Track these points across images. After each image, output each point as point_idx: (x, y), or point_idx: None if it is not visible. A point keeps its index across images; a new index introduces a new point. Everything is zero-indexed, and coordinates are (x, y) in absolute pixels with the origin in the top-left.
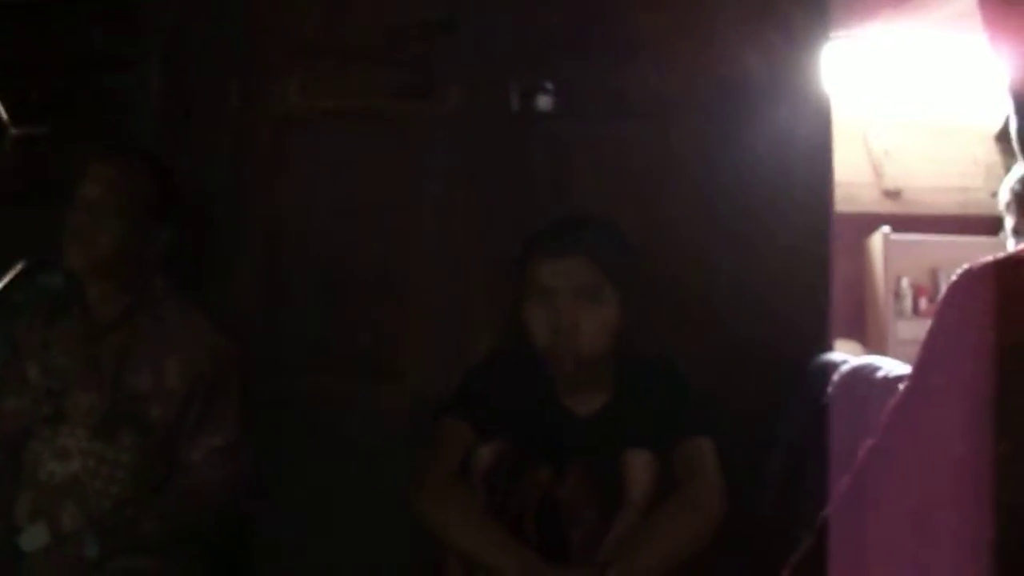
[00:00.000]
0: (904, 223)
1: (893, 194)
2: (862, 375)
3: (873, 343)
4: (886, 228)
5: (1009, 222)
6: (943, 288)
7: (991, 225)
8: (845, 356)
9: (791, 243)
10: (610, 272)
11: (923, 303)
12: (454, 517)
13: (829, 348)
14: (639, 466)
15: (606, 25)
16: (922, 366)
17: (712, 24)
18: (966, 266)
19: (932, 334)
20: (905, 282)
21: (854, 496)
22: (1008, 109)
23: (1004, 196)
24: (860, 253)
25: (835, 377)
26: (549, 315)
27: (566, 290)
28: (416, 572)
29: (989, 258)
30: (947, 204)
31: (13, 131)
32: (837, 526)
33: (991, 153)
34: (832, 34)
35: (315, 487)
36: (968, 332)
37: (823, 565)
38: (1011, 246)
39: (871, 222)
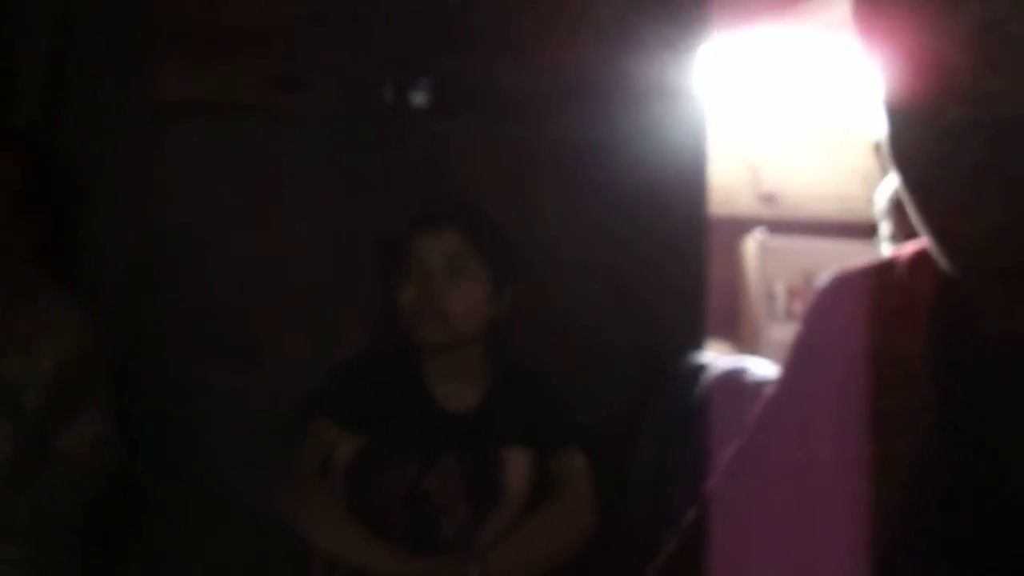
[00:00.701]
0: (780, 227)
1: (769, 198)
2: (733, 377)
3: (746, 344)
4: (761, 231)
5: (884, 228)
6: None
7: (867, 231)
8: (717, 357)
9: (665, 244)
10: (481, 247)
11: (796, 306)
12: (314, 515)
13: (701, 349)
14: (517, 465)
15: (483, 21)
16: (792, 369)
17: (589, 23)
18: (838, 270)
19: (802, 337)
20: (779, 285)
21: (720, 498)
22: (881, 116)
23: (880, 202)
24: (735, 256)
25: (706, 378)
26: (419, 287)
27: (437, 262)
28: (286, 563)
29: (861, 263)
30: (823, 209)
31: None
32: (702, 528)
33: (869, 159)
34: (710, 36)
35: (186, 476)
36: (839, 336)
37: (689, 567)
38: (885, 252)
39: (747, 225)
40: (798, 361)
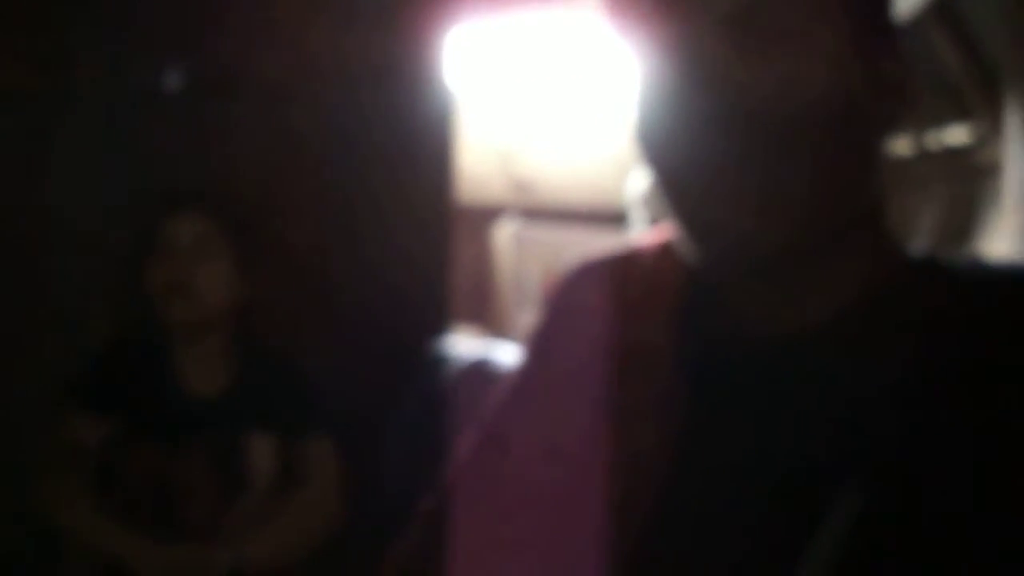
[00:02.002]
0: (532, 215)
1: (522, 186)
2: (480, 365)
3: (496, 331)
4: (513, 219)
5: (636, 217)
6: None
7: (620, 220)
8: (466, 343)
9: (413, 230)
10: (227, 229)
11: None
12: (63, 505)
13: (450, 336)
14: (263, 451)
15: (241, 5)
16: (533, 357)
17: (342, 8)
18: (581, 260)
19: (543, 325)
20: (531, 272)
21: (460, 487)
22: (633, 105)
23: (632, 191)
24: (486, 243)
25: (453, 366)
26: (167, 268)
27: (185, 243)
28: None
29: (606, 251)
30: (577, 197)
31: None
32: (442, 518)
33: (623, 148)
34: (462, 21)
35: None
36: (581, 325)
37: (426, 558)
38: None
39: (499, 212)
40: (540, 349)
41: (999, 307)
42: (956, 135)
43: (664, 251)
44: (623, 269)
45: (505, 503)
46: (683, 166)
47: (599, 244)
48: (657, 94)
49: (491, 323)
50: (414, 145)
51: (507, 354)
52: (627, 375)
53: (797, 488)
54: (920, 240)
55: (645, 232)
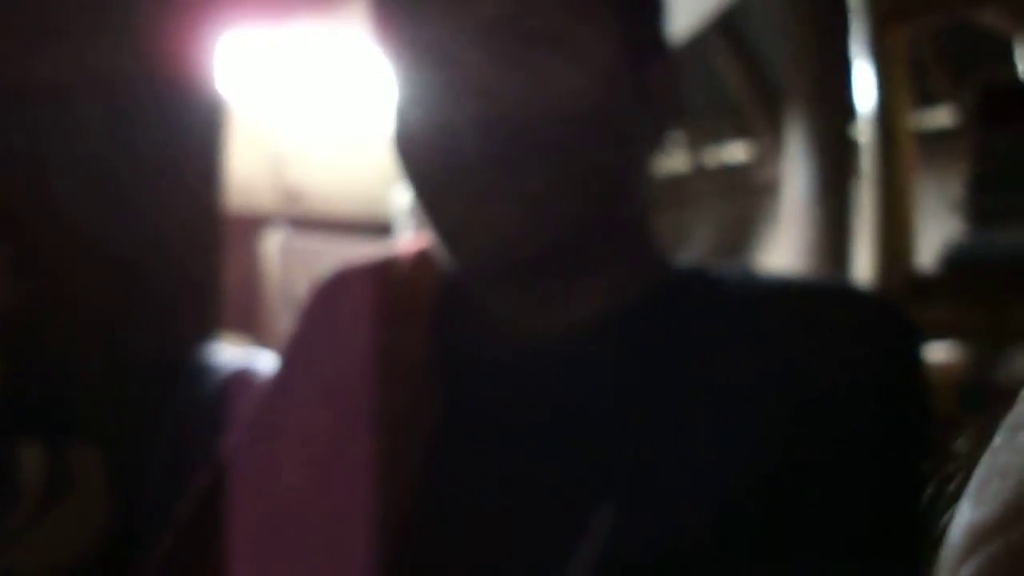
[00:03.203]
0: (303, 224)
1: (293, 195)
2: (244, 373)
3: (264, 340)
4: (283, 228)
5: (403, 226)
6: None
7: (388, 230)
8: (233, 353)
9: (182, 238)
10: None
11: None
12: None
13: (218, 344)
14: (31, 461)
15: (19, 7)
16: (289, 367)
17: (104, 13)
18: (337, 267)
19: (299, 335)
20: (300, 282)
21: (211, 496)
22: (392, 114)
23: (399, 201)
24: (256, 252)
25: (219, 374)
26: None
27: None
28: None
29: (363, 260)
30: (346, 207)
31: None
32: (197, 527)
33: (391, 159)
34: (232, 28)
35: None
36: (338, 334)
37: (185, 566)
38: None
39: (269, 222)
40: (296, 359)
41: (761, 317)
42: (735, 152)
43: (421, 258)
44: (379, 276)
45: (264, 517)
46: (436, 172)
47: (365, 254)
48: (414, 103)
49: (259, 332)
50: (183, 153)
51: (271, 363)
52: (383, 382)
53: (551, 499)
54: (696, 253)
55: (405, 240)
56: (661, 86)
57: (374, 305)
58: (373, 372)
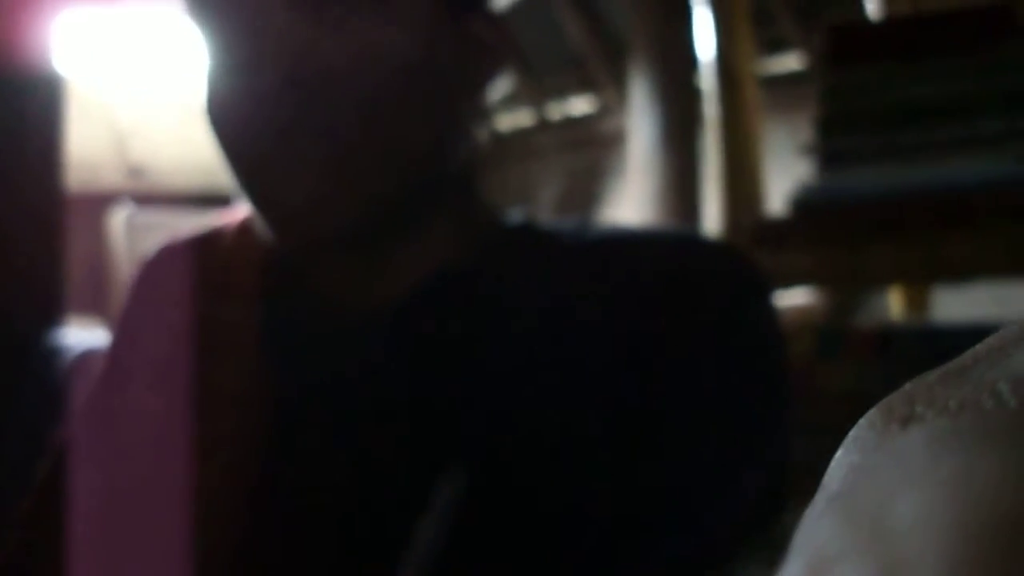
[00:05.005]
0: (148, 200)
1: (137, 172)
2: (91, 353)
3: (114, 320)
4: (128, 205)
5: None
6: None
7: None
8: (80, 335)
9: (24, 220)
10: None
11: None
12: None
13: (64, 327)
14: None
15: None
16: (117, 345)
17: None
18: (163, 242)
19: (126, 312)
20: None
21: (50, 488)
22: (201, 82)
23: None
24: (102, 231)
25: (67, 358)
26: None
27: None
28: None
29: (187, 233)
30: (191, 181)
31: None
32: (38, 521)
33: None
34: (69, 7)
35: None
36: (162, 308)
37: (28, 559)
38: None
39: (114, 199)
40: (123, 337)
41: (595, 268)
42: (580, 106)
43: (243, 228)
44: (205, 248)
45: (98, 501)
46: (240, 140)
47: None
48: (219, 69)
49: (109, 312)
50: (22, 132)
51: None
52: (210, 356)
53: (394, 471)
54: (545, 207)
55: (228, 211)
56: (484, 37)
57: (197, 277)
58: (198, 347)
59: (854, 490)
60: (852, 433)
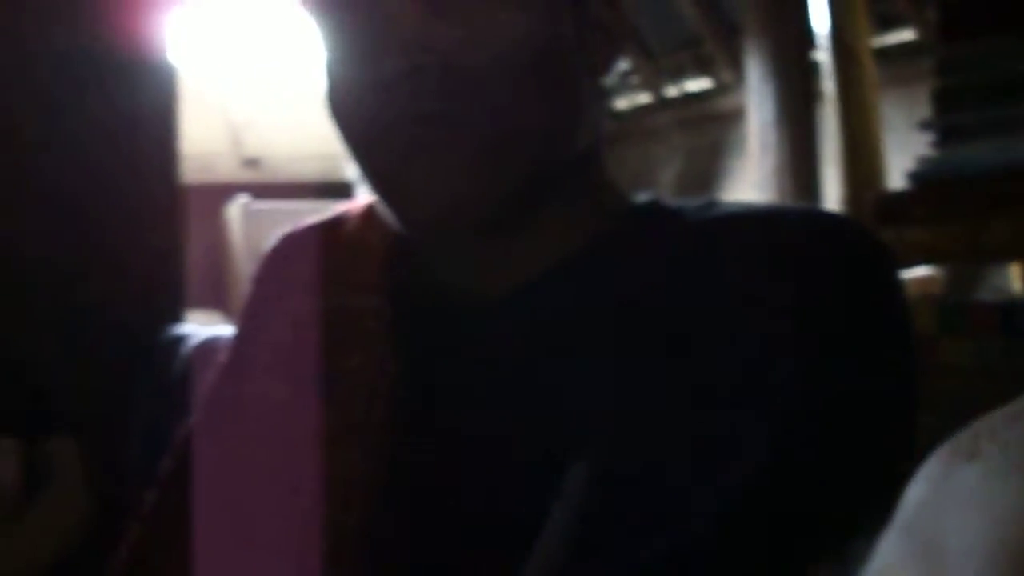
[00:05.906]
0: (264, 191)
1: (252, 163)
2: (210, 345)
3: (234, 312)
4: (245, 197)
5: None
6: None
7: (351, 191)
8: (200, 327)
9: (141, 214)
10: None
11: None
12: None
13: (184, 319)
14: (5, 457)
15: None
16: (243, 334)
17: None
18: (285, 231)
19: (250, 300)
20: (264, 248)
21: (176, 480)
22: (322, 73)
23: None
24: (219, 222)
25: (185, 349)
26: None
27: None
28: None
29: (310, 221)
30: (307, 171)
31: None
32: (164, 513)
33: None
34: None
35: None
36: (288, 296)
37: (153, 554)
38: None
39: (230, 191)
40: (249, 326)
41: (723, 246)
42: (697, 85)
43: (369, 215)
44: (328, 236)
45: (225, 491)
46: (366, 131)
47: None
48: (342, 59)
49: (230, 305)
50: (139, 126)
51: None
52: (337, 344)
53: (521, 457)
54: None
55: (354, 199)
56: (604, 20)
57: (322, 265)
58: (325, 335)
59: (919, 518)
60: (923, 468)
